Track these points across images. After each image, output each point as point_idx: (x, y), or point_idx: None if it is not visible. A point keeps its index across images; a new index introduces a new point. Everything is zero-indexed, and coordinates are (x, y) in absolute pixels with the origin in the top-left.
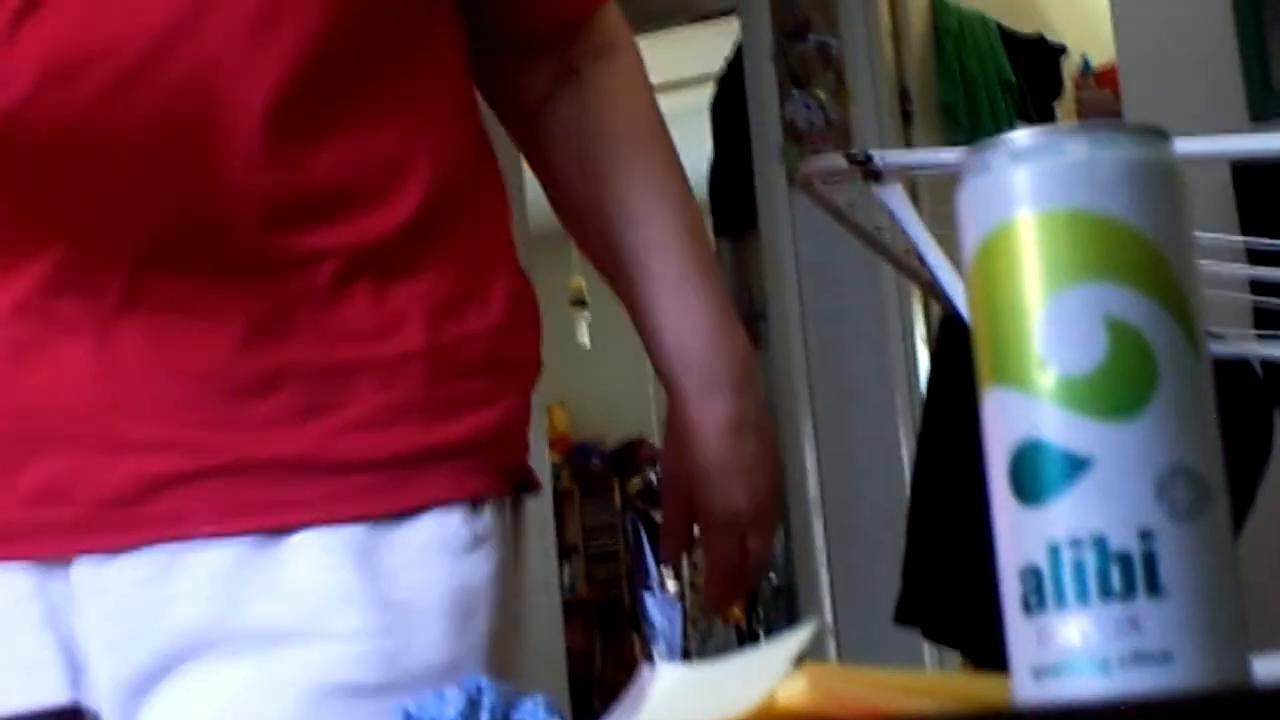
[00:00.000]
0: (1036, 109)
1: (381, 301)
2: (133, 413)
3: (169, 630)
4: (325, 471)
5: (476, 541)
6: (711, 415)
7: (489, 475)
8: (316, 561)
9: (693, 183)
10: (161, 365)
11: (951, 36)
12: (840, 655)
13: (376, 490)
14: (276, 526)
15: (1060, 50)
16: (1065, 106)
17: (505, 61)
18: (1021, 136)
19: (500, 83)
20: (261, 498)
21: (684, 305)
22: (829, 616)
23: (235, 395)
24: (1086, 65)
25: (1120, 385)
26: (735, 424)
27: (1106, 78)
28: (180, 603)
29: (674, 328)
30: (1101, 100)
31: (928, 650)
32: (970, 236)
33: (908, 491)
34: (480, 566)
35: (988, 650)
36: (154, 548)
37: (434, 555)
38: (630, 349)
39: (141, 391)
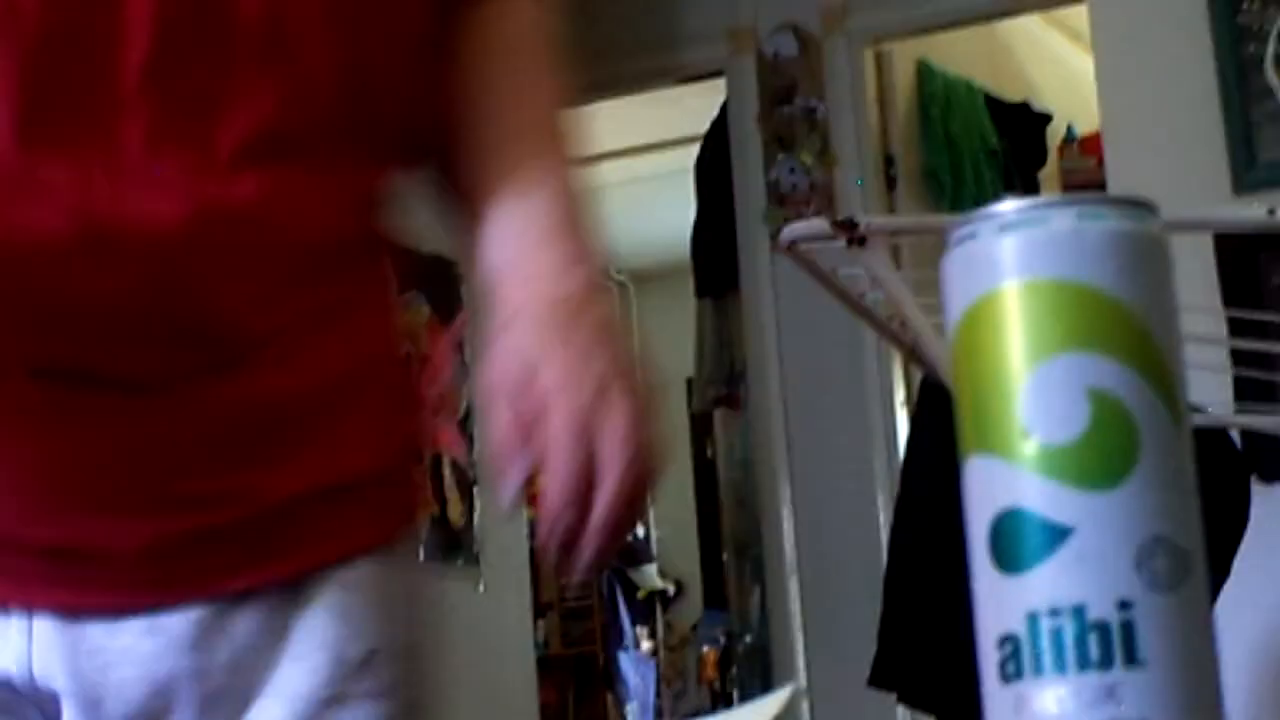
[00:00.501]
0: (1020, 176)
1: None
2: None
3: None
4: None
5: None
6: (544, 284)
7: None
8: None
9: (675, 242)
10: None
11: (937, 102)
12: (814, 717)
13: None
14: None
15: (1045, 118)
16: (1049, 174)
17: None
18: (1008, 206)
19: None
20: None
21: (528, 222)
22: (803, 678)
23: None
24: (1071, 133)
25: (1102, 455)
26: (574, 300)
27: (1091, 146)
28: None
29: (510, 241)
30: (1085, 169)
31: (901, 714)
32: (955, 304)
33: (884, 555)
34: None
35: (963, 716)
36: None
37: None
38: None
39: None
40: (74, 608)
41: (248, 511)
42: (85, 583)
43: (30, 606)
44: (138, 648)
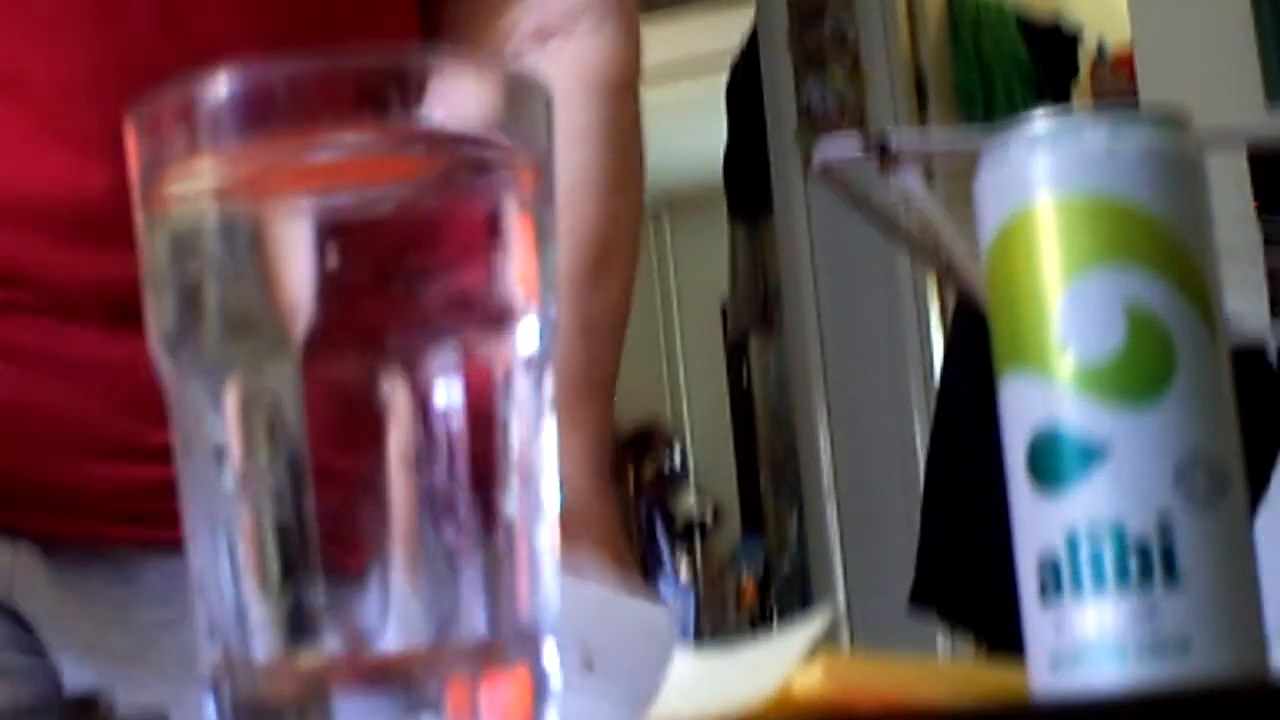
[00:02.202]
0: (1052, 92)
1: None
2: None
3: None
4: None
5: None
6: None
7: None
8: None
9: (708, 166)
10: None
11: (967, 20)
12: (853, 640)
13: None
14: None
15: (1076, 35)
16: (1081, 89)
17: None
18: (1040, 122)
19: (469, 27)
20: None
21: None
22: (842, 601)
23: None
24: (1102, 49)
25: (1139, 372)
26: None
27: (1122, 61)
28: None
29: None
30: (1118, 87)
31: (941, 636)
32: (989, 222)
33: (921, 475)
34: None
35: (1003, 633)
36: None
37: None
38: (642, 334)
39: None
40: (54, 537)
41: None
42: (63, 515)
43: (14, 530)
44: (108, 592)
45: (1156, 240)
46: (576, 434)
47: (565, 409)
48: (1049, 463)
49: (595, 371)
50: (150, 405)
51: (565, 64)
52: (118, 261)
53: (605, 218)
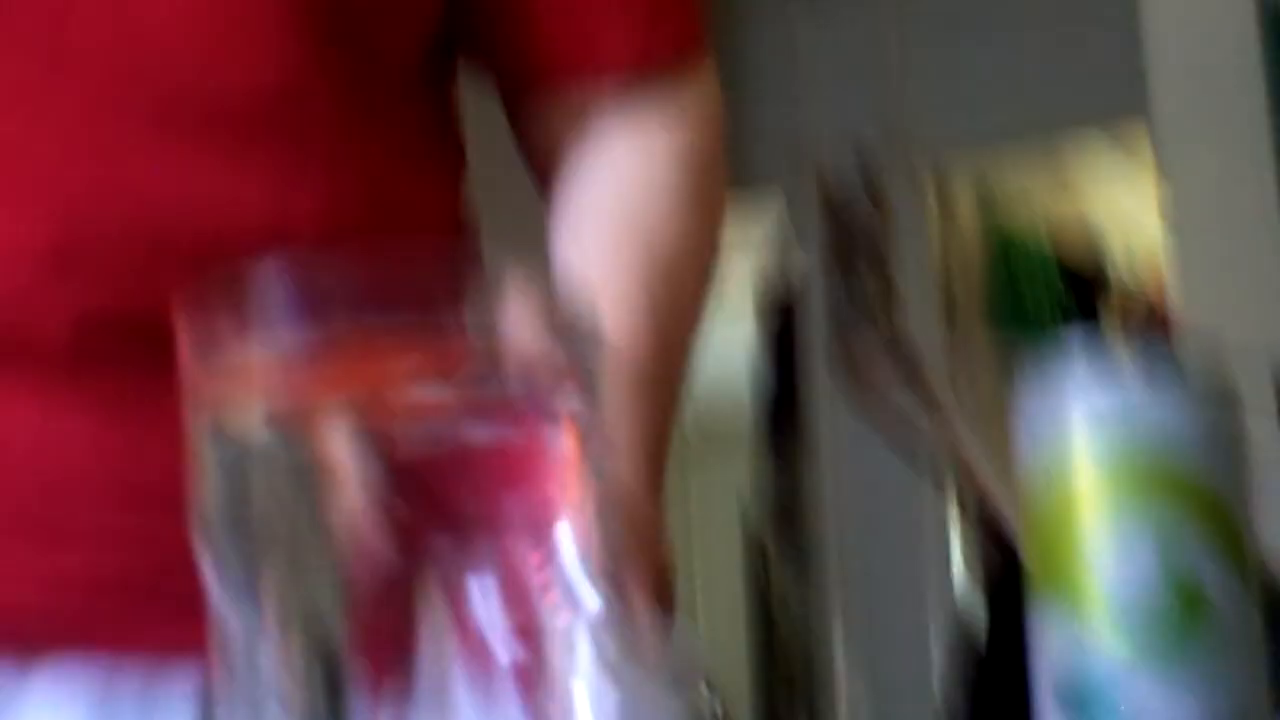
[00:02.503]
0: (1081, 308)
1: None
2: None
3: None
4: None
5: None
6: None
7: None
8: None
9: (732, 373)
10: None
11: (998, 223)
12: None
13: None
14: None
15: (1107, 249)
16: (1111, 312)
17: (524, 100)
18: (1080, 373)
19: (521, 126)
20: None
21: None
22: None
23: None
24: (1132, 264)
25: (1174, 623)
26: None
27: (1153, 277)
28: None
29: None
30: (1147, 301)
31: None
32: (1027, 460)
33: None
34: None
35: None
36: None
37: None
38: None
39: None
40: None
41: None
42: None
43: None
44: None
45: (1193, 494)
46: (632, 421)
47: (626, 395)
48: (1080, 708)
49: (658, 366)
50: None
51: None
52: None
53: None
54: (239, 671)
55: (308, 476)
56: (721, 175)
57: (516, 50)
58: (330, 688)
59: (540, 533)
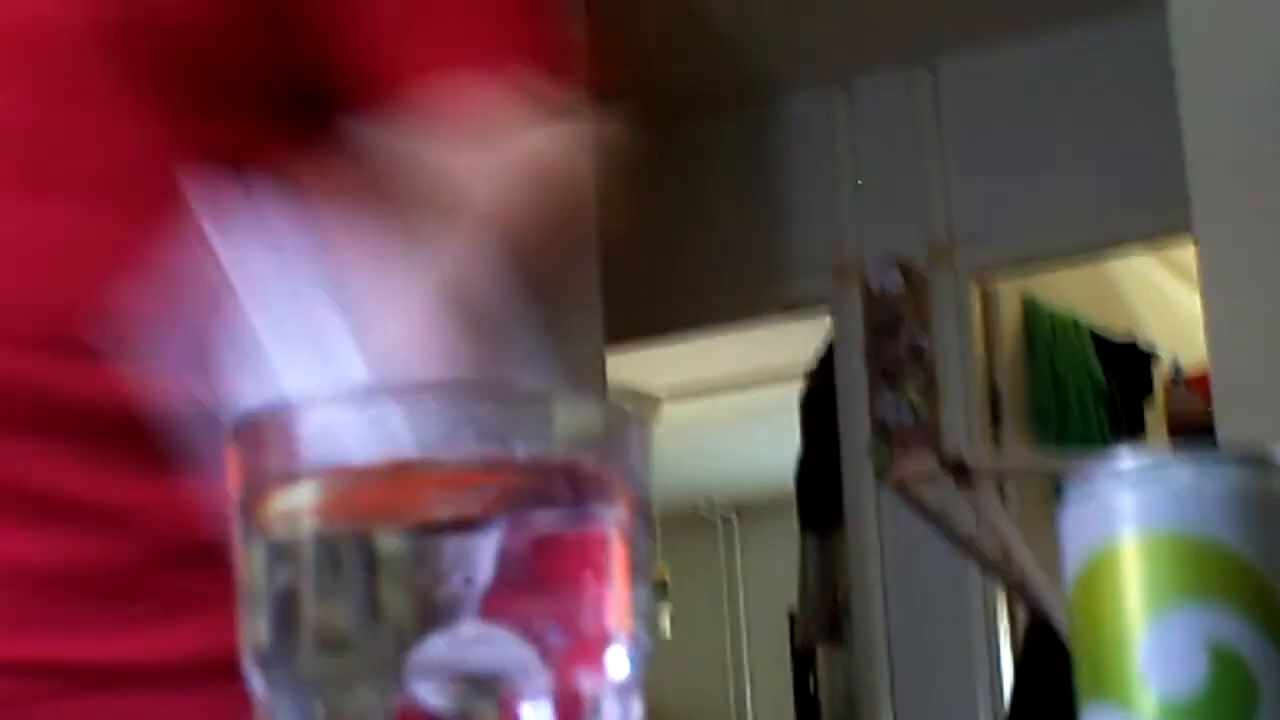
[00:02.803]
0: (1127, 411)
1: None
2: None
3: None
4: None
5: None
6: None
7: None
8: None
9: (780, 476)
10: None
11: (1043, 338)
12: None
13: None
14: None
15: (1152, 355)
16: (1155, 410)
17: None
18: (1126, 457)
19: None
20: None
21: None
22: None
23: None
24: (1178, 371)
25: (1222, 709)
26: None
27: (1198, 384)
28: None
29: None
30: (1193, 408)
31: None
32: (1073, 555)
33: None
34: None
35: None
36: None
37: None
38: (710, 641)
39: None
40: None
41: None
42: None
43: None
44: None
45: (1240, 579)
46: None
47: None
48: None
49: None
50: None
51: None
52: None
53: None
54: None
55: (357, 571)
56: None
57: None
58: None
59: (591, 645)
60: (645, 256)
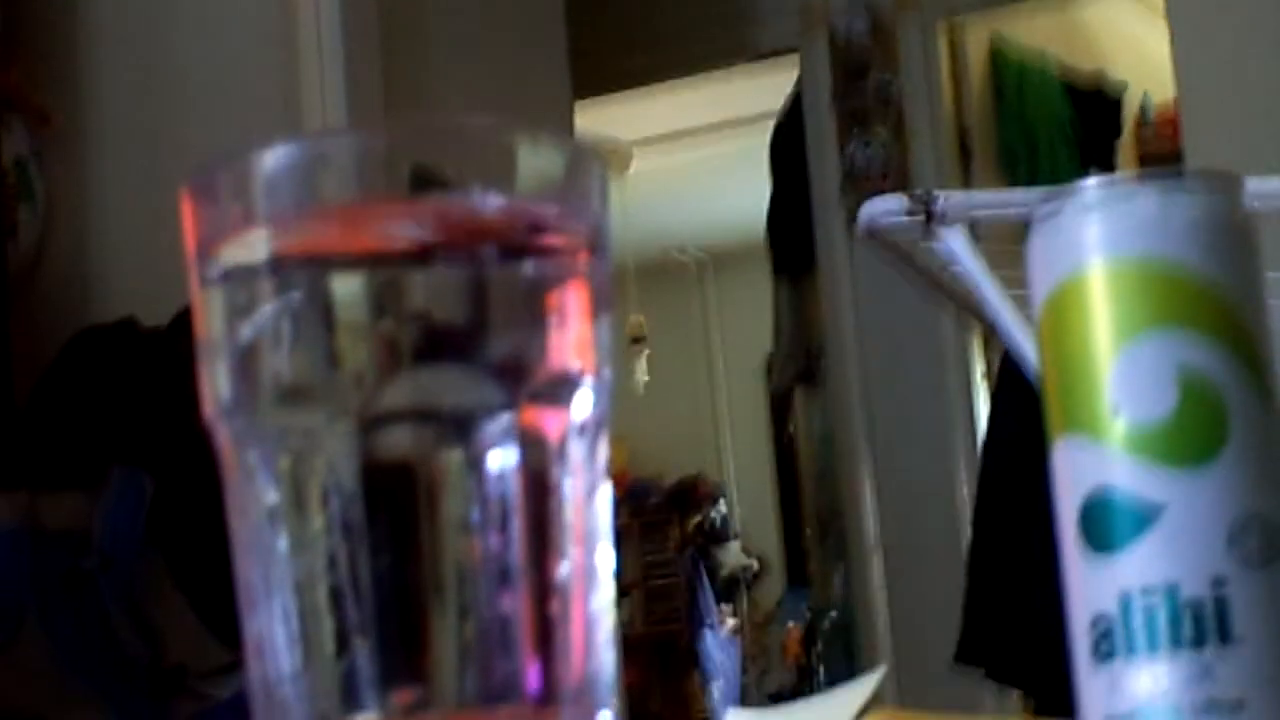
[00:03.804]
0: (1096, 150)
1: None
2: None
3: None
4: None
5: None
6: None
7: None
8: None
9: (751, 222)
10: None
11: (1011, 79)
12: (900, 694)
13: None
14: None
15: (1120, 91)
16: (1125, 147)
17: None
18: (1093, 186)
19: None
20: None
21: None
22: (888, 654)
23: None
24: (1146, 110)
25: (1192, 434)
26: None
27: (1167, 121)
28: None
29: None
30: (1161, 145)
31: (988, 691)
32: (1041, 285)
33: (967, 530)
34: None
35: (1051, 693)
36: None
37: None
38: (686, 388)
39: None
40: None
41: None
42: None
43: None
44: None
45: (1208, 305)
46: None
47: None
48: (1102, 526)
49: None
50: None
51: None
52: None
53: None
54: (254, 533)
55: (315, 321)
56: None
57: None
58: (348, 545)
59: (555, 386)
60: (610, 6)
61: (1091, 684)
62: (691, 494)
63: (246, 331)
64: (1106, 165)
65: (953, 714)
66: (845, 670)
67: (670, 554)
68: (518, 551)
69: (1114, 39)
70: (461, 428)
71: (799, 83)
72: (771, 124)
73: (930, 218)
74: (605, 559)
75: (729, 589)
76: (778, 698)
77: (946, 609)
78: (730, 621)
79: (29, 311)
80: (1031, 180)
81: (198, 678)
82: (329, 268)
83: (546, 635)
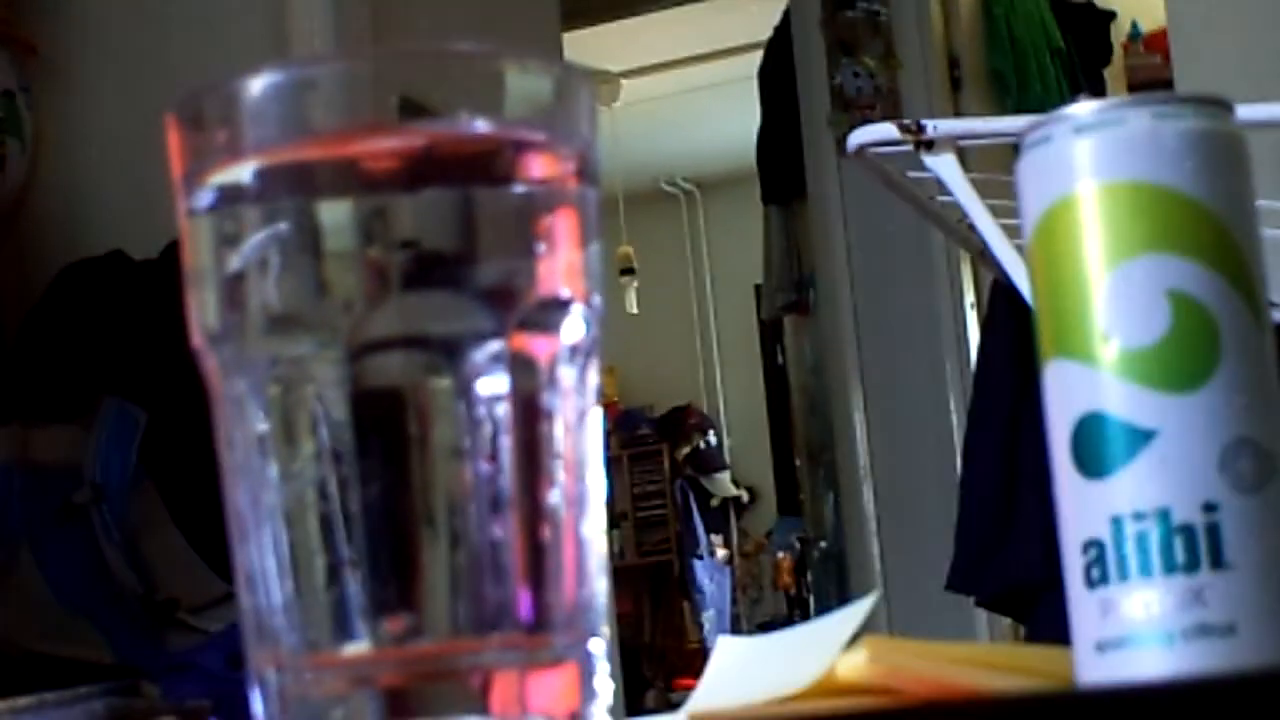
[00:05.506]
0: (1086, 75)
1: None
2: None
3: None
4: None
5: None
6: None
7: None
8: None
9: (741, 149)
10: None
11: (1000, 2)
12: (891, 622)
13: None
14: None
15: (1109, 16)
16: (1115, 73)
17: None
18: (1083, 108)
19: None
20: None
21: None
22: (879, 583)
23: None
24: (1136, 30)
25: (1184, 357)
26: None
27: (1157, 43)
28: None
29: None
30: (1151, 66)
31: (980, 617)
32: (1031, 209)
33: (958, 458)
34: None
35: (1043, 619)
36: None
37: None
38: (676, 315)
39: None
40: None
41: None
42: None
43: None
44: None
45: (1200, 226)
46: None
47: None
48: (1094, 449)
49: None
50: None
51: None
52: None
53: None
54: (243, 460)
55: (302, 248)
56: None
57: None
58: (338, 472)
59: (544, 310)
60: None
61: (1083, 608)
62: (682, 424)
63: (234, 260)
64: (1097, 87)
65: (944, 641)
66: (836, 599)
67: (661, 483)
68: (508, 478)
69: None
70: (451, 354)
71: (787, 7)
72: (760, 54)
73: (920, 144)
74: (596, 485)
75: (720, 518)
76: (769, 626)
77: (938, 537)
78: (721, 551)
79: (18, 246)
80: (1021, 105)
81: (190, 611)
82: (316, 195)
83: (538, 562)
